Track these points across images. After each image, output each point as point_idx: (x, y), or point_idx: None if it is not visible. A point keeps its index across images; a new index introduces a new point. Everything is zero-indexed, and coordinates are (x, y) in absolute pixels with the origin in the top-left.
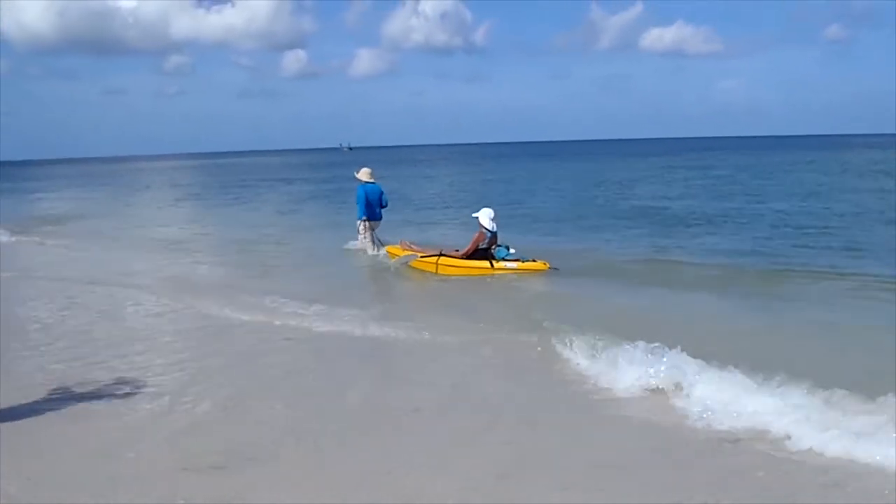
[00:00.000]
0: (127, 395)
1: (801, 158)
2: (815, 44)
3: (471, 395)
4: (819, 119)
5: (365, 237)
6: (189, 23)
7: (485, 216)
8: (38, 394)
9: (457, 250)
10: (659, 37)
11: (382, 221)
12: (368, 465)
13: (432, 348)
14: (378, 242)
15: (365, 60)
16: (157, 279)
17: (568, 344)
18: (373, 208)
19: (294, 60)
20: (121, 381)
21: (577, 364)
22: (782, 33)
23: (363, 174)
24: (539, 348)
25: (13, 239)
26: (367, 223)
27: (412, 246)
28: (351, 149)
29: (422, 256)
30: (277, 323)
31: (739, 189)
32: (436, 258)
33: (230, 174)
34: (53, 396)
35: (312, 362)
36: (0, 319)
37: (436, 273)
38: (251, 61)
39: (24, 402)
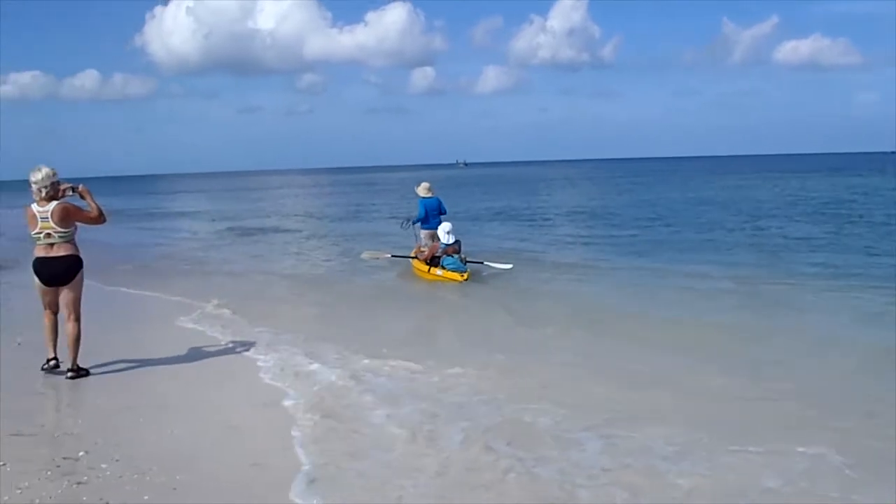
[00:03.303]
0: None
1: None
2: None
3: None
4: None
5: (422, 240)
6: (322, 42)
7: (442, 230)
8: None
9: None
10: (794, 49)
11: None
12: None
13: None
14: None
15: (491, 77)
16: None
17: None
18: (429, 219)
19: (422, 77)
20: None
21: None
22: None
23: (422, 189)
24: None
25: None
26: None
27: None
28: (466, 165)
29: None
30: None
31: None
32: (412, 260)
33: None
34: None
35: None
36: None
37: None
38: (380, 79)
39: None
